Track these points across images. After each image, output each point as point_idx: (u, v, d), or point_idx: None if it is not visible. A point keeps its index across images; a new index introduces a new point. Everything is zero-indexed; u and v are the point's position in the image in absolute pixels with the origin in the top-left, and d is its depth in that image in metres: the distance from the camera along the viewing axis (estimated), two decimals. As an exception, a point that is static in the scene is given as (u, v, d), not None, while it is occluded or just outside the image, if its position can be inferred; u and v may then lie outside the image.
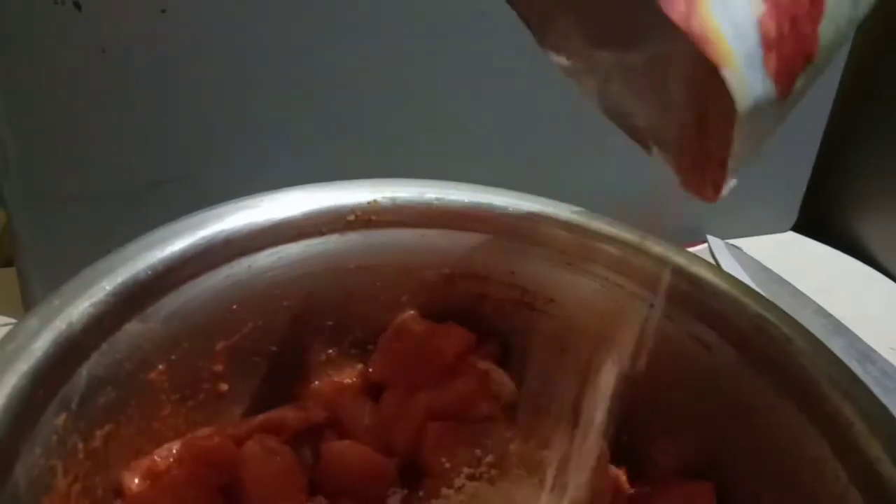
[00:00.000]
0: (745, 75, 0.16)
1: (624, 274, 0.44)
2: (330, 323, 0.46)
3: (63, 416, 0.32)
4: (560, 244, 0.45)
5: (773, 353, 0.39)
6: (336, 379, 0.48)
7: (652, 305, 0.43)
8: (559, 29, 0.27)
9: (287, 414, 0.41)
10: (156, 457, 0.37)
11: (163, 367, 0.38)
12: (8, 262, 0.60)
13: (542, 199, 0.45)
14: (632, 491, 0.43)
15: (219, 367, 0.42)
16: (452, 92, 0.62)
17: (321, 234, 0.43)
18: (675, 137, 0.25)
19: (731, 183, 0.22)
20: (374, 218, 0.44)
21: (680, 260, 0.43)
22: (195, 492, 0.36)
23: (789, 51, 0.16)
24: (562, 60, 0.27)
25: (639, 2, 0.18)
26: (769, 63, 0.16)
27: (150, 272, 0.36)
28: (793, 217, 0.84)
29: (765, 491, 0.39)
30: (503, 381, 0.46)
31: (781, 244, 0.85)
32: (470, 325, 0.48)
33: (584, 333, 0.45)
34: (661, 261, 0.42)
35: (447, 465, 0.42)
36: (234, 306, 0.41)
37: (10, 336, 0.31)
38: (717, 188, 0.22)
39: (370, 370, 0.47)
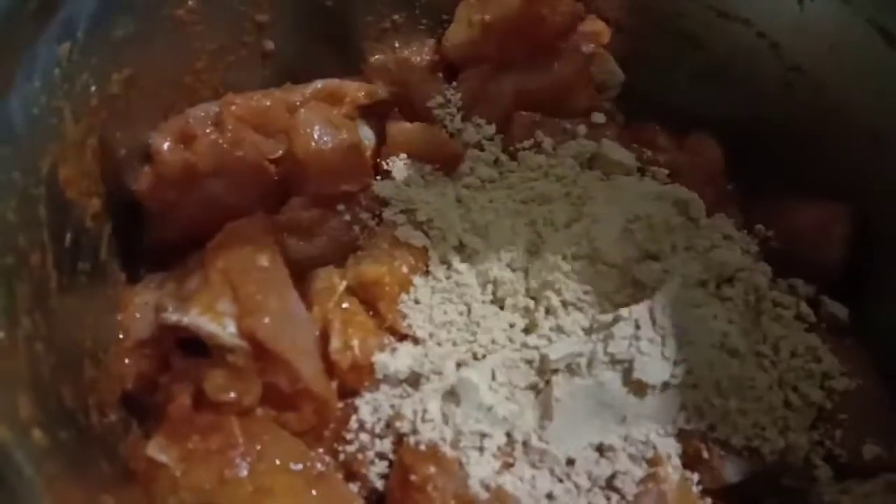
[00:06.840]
0: None
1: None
2: (399, -23, 0.37)
3: (67, 46, 0.25)
4: None
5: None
6: (404, 53, 0.39)
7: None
8: None
9: (348, 84, 0.33)
10: (190, 117, 0.30)
11: (194, 4, 0.30)
12: None
13: None
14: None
15: (263, 17, 0.33)
16: None
17: None
18: None
19: None
20: None
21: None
22: (240, 162, 0.29)
23: None
24: None
25: None
26: None
27: None
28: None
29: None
30: (610, 68, 0.38)
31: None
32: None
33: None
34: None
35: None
36: (282, -67, 0.31)
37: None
38: None
39: (446, 45, 0.38)
